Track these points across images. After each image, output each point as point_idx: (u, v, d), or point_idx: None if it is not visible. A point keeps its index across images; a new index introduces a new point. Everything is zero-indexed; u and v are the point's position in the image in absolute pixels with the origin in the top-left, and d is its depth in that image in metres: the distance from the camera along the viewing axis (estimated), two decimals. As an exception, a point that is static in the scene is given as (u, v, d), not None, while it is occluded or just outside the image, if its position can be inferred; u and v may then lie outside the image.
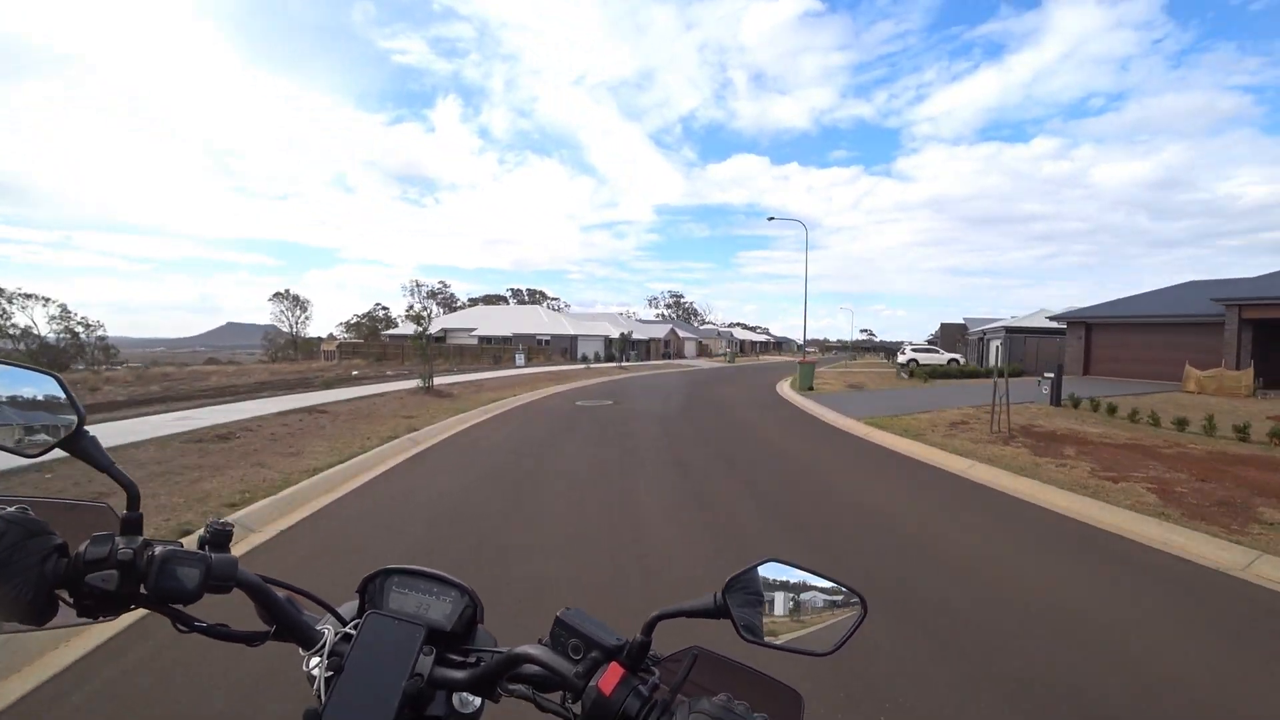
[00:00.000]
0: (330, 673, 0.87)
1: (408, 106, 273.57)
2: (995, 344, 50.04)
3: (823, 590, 0.89)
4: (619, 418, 14.63)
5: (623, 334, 48.23)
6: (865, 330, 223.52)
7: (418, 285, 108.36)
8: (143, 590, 0.80)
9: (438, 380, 21.10)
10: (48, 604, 0.79)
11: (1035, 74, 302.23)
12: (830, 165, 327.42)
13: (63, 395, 0.90)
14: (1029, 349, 43.55)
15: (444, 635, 0.94)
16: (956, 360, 50.47)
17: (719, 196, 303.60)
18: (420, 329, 21.34)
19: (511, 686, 0.89)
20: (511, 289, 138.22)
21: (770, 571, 0.88)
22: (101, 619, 0.81)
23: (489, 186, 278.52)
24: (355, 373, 31.53)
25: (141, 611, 0.85)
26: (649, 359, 69.13)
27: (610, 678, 0.79)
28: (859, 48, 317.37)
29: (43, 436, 0.90)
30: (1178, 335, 29.08)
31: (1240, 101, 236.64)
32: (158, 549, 0.82)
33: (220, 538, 0.86)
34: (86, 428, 0.89)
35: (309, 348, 74.13)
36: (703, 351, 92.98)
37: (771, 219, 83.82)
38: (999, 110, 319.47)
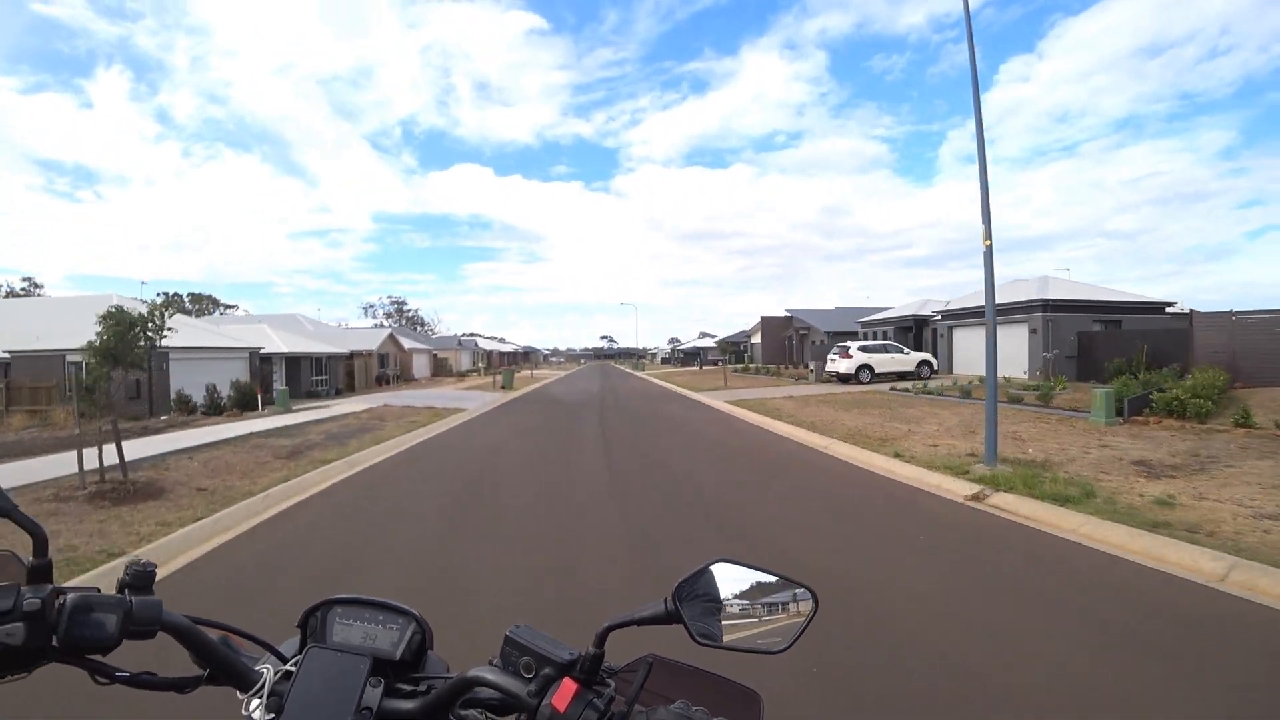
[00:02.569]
0: (271, 715, 0.80)
1: (53, 73, 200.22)
2: (970, 335, 26.65)
3: (773, 587, 0.85)
4: None
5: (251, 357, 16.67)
6: (606, 337, 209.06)
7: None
8: (54, 643, 0.72)
9: None
10: None
11: (732, 110, 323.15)
12: (553, 180, 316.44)
13: None
14: (1097, 341, 22.30)
15: (393, 665, 0.88)
16: (929, 363, 28.35)
17: (441, 205, 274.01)
18: None
19: (464, 712, 0.83)
20: (163, 294, 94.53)
21: (720, 572, 0.84)
22: (9, 678, 0.72)
23: (170, 182, 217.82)
24: None
25: None
26: (355, 388, 37.84)
27: (564, 694, 0.75)
28: (580, 70, 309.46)
29: None
30: None
31: (881, 149, 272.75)
32: (69, 596, 0.73)
33: (141, 579, 0.77)
34: None
35: None
36: (440, 369, 62.29)
37: None
38: (702, 138, 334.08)
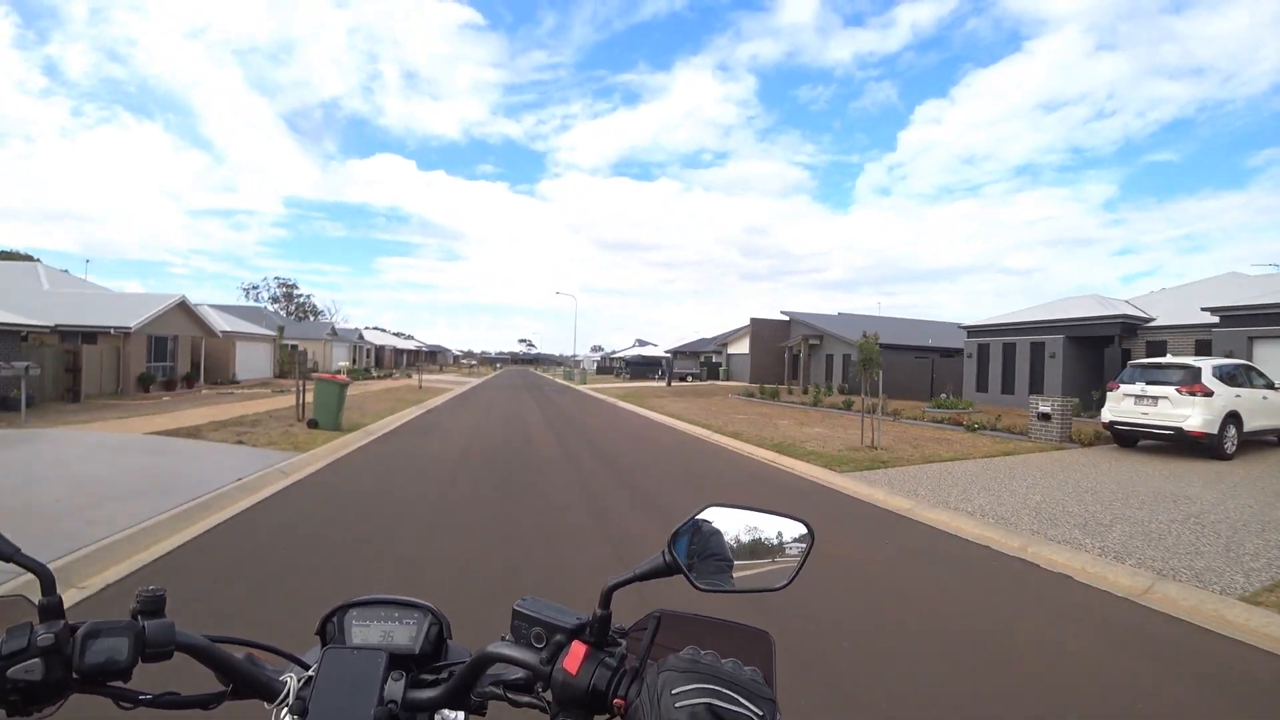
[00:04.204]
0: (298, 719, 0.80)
1: None
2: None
3: (766, 525, 0.84)
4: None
5: None
6: (524, 340, 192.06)
7: None
8: (74, 674, 0.73)
9: None
10: None
11: (662, 125, 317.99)
12: (478, 178, 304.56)
13: None
14: None
15: (414, 658, 0.88)
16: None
17: (359, 195, 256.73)
18: None
19: (486, 690, 0.83)
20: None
21: (713, 516, 0.83)
22: (35, 715, 0.73)
23: (55, 142, 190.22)
24: None
25: None
26: (79, 396, 18.70)
27: (574, 656, 0.75)
28: (513, 69, 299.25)
29: None
30: None
31: (802, 175, 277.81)
32: (82, 628, 0.74)
33: (152, 604, 0.78)
34: None
35: None
36: (292, 368, 42.93)
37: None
38: (631, 150, 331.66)
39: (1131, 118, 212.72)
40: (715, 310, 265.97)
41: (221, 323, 32.32)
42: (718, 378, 50.12)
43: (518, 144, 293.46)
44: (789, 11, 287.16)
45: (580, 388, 39.95)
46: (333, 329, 51.53)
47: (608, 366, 77.97)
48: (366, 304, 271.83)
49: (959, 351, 26.89)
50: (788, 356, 43.45)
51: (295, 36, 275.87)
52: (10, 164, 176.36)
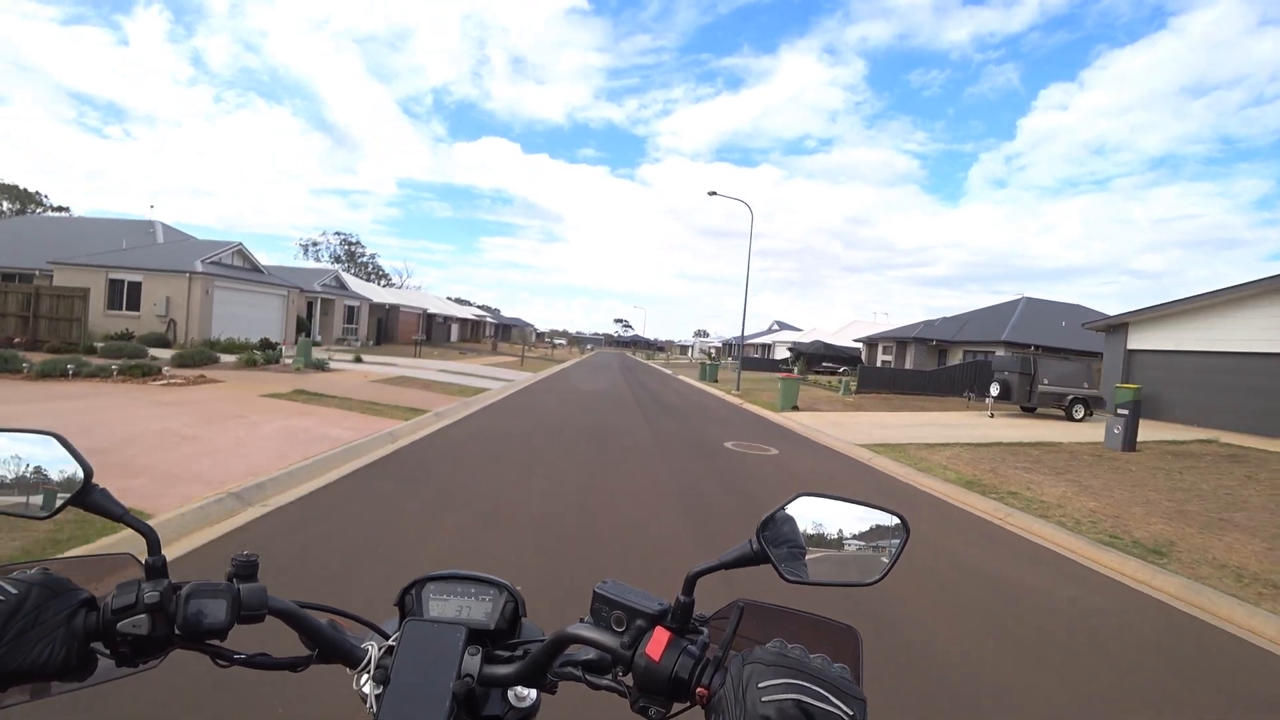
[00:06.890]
0: (380, 688, 0.81)
1: (93, 5, 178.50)
2: None
3: (860, 517, 0.81)
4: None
5: None
6: (620, 321, 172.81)
7: None
8: (176, 630, 0.77)
9: None
10: (84, 659, 0.74)
11: (765, 110, 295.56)
12: (579, 162, 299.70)
13: (65, 452, 0.82)
14: None
15: (490, 634, 0.89)
16: None
17: (466, 177, 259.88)
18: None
19: (561, 670, 0.82)
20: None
21: (803, 506, 0.80)
22: (142, 666, 0.77)
23: (198, 126, 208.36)
24: None
25: None
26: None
27: (657, 642, 0.74)
28: (617, 53, 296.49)
29: (51, 496, 0.81)
30: None
31: (911, 164, 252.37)
32: (184, 587, 0.78)
33: (246, 569, 0.82)
34: (95, 481, 0.81)
35: None
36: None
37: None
38: (733, 135, 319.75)
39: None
40: (818, 301, 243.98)
41: None
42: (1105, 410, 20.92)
43: (619, 128, 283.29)
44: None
45: (866, 458, 12.09)
46: (253, 263, 25.61)
47: (759, 360, 49.61)
48: (470, 281, 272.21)
49: None
50: None
51: (411, 25, 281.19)
52: (162, 146, 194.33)
